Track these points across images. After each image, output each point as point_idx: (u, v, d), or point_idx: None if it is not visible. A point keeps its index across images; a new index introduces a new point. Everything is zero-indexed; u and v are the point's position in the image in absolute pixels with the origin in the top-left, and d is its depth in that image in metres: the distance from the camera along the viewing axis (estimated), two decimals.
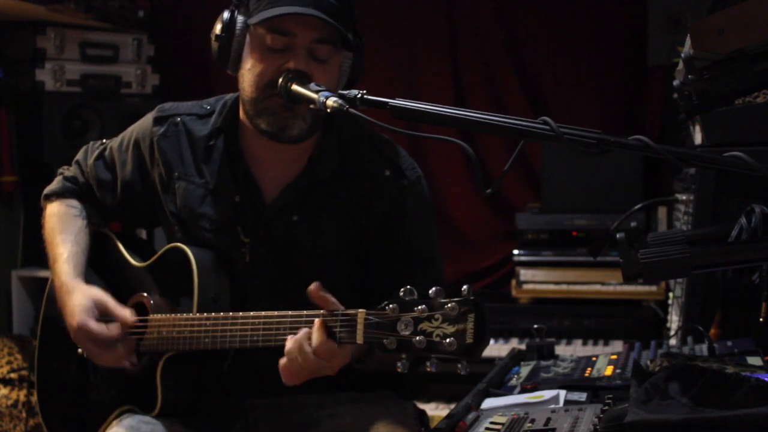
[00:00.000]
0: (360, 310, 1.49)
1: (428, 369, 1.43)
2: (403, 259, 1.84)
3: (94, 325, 1.75)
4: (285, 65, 1.70)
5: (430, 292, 1.43)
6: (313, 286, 1.53)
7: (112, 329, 1.76)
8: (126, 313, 1.78)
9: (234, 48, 1.78)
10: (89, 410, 1.90)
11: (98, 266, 1.95)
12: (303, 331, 1.53)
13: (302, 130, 1.76)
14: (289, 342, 1.54)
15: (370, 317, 1.48)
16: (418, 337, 1.41)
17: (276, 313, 1.60)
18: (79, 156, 2.05)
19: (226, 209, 1.84)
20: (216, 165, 1.87)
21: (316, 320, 1.52)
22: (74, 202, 2.00)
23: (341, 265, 1.84)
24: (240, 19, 1.77)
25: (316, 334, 1.51)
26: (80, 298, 1.78)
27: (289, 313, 1.59)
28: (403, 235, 1.85)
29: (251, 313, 1.64)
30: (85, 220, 1.97)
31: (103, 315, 1.78)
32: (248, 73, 1.76)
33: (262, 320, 1.62)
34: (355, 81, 1.83)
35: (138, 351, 1.79)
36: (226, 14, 1.78)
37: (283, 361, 1.55)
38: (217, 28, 1.79)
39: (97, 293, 1.80)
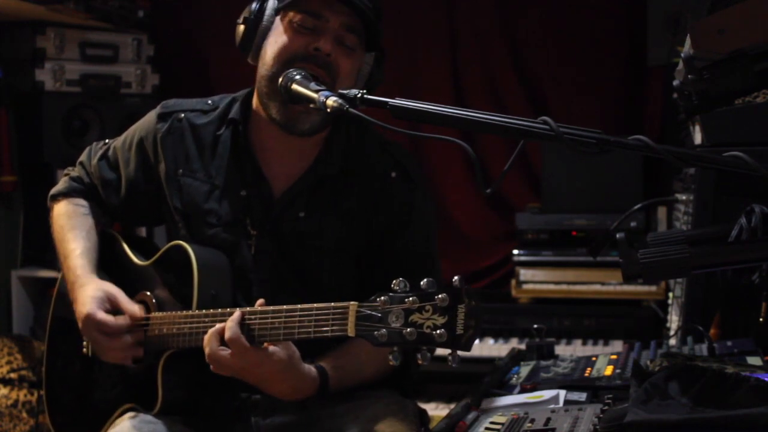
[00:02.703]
0: (352, 302, 1.50)
1: (420, 361, 1.43)
2: (404, 259, 1.85)
3: (102, 315, 1.77)
4: (314, 44, 1.73)
5: (422, 283, 1.43)
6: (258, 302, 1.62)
7: (120, 320, 1.78)
8: (135, 308, 1.80)
9: (258, 35, 1.80)
10: (93, 409, 1.91)
11: (104, 266, 1.96)
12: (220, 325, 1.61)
13: (314, 123, 1.78)
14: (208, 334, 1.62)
15: (361, 309, 1.48)
16: (408, 329, 1.41)
17: (271, 308, 1.61)
18: (83, 157, 2.07)
19: (233, 203, 1.86)
20: (222, 160, 1.88)
21: (236, 311, 1.60)
22: (82, 201, 2.02)
23: (345, 262, 1.86)
24: (270, 5, 1.80)
25: (228, 324, 1.58)
26: (93, 290, 1.81)
27: (284, 307, 1.59)
28: (406, 237, 1.86)
29: (248, 309, 1.64)
30: (93, 219, 2.00)
31: (114, 308, 1.80)
32: (271, 48, 1.78)
33: (258, 316, 1.62)
34: (372, 89, 1.84)
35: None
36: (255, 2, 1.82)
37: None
38: (246, 12, 1.82)
39: (110, 287, 1.83)
